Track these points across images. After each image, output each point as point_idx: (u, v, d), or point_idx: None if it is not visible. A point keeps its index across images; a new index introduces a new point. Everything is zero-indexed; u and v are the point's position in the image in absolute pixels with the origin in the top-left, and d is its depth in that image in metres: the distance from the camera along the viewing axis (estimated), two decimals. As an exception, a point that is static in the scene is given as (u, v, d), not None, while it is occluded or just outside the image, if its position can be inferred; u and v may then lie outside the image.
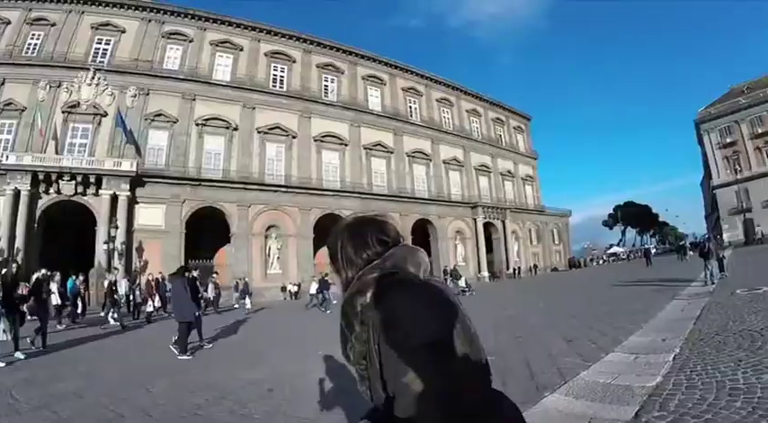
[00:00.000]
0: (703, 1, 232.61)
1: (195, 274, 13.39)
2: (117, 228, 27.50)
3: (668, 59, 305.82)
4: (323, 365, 7.16)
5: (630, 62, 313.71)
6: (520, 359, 7.11)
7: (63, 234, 30.34)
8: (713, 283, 14.18)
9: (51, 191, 28.54)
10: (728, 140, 61.65)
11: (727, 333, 6.85)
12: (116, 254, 27.39)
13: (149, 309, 18.26)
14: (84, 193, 29.06)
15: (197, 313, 10.34)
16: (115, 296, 17.27)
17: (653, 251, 74.50)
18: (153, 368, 8.25)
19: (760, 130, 58.69)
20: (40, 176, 27.83)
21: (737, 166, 59.11)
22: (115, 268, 24.37)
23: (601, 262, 69.56)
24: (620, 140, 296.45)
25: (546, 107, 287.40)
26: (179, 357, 9.04)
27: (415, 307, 1.14)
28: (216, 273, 26.85)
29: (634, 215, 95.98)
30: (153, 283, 20.37)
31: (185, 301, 9.61)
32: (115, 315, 16.55)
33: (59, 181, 28.42)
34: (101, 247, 27.56)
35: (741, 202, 58.21)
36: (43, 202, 28.39)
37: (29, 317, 11.01)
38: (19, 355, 9.30)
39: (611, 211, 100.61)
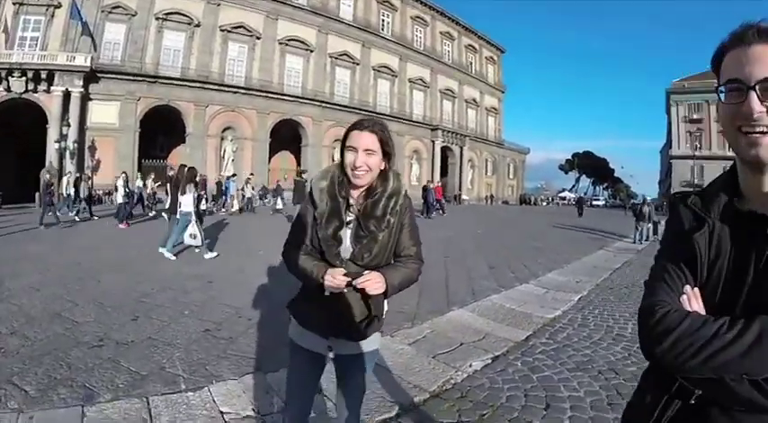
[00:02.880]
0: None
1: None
2: (69, 126, 26.93)
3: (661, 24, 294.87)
4: (261, 263, 8.08)
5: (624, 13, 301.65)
6: (441, 277, 7.62)
7: (12, 134, 29.46)
8: (641, 243, 15.02)
9: (1, 88, 27.61)
10: (695, 117, 62.96)
11: (635, 287, 7.32)
12: (68, 153, 27.15)
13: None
14: (35, 90, 28.21)
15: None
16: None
17: (601, 203, 77.59)
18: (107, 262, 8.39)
19: None
20: (-11, 73, 26.67)
21: (698, 143, 60.82)
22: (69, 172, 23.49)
23: (550, 203, 72.20)
24: (593, 90, 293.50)
25: (524, 41, 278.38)
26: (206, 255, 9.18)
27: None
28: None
29: (590, 166, 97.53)
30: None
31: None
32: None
33: (9, 78, 27.43)
34: (52, 147, 27.29)
35: (694, 177, 60.35)
36: (-8, 100, 27.37)
37: None
38: None
39: (569, 158, 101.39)
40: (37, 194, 20.91)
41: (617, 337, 4.76)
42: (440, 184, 33.43)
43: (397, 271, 1.76)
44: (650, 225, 16.54)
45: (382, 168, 1.78)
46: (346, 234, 1.74)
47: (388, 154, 1.78)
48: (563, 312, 5.69)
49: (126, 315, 5.06)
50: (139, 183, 21.07)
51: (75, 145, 27.81)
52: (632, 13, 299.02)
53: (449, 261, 9.46)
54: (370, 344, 1.86)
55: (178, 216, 9.20)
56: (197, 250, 9.35)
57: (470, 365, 3.87)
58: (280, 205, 23.80)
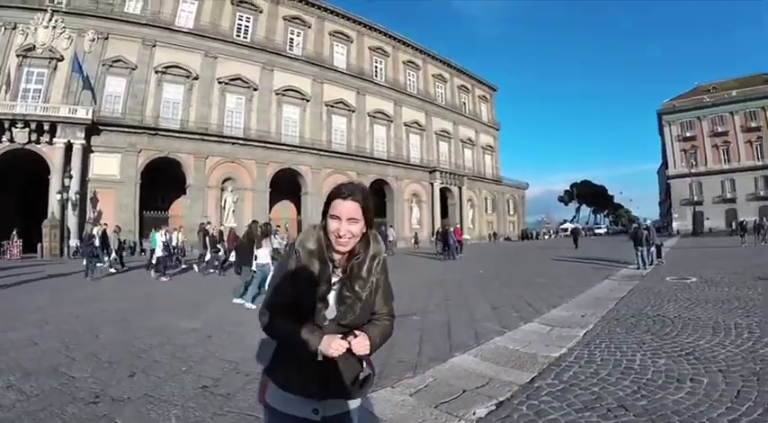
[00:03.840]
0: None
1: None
2: (71, 177, 27.36)
3: (642, 46, 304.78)
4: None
5: (604, 44, 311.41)
6: (443, 321, 7.61)
7: (15, 184, 29.96)
8: (646, 268, 14.86)
9: (4, 139, 28.03)
10: (688, 135, 64.59)
11: (642, 316, 7.24)
12: (70, 204, 27.50)
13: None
14: (37, 142, 28.69)
15: None
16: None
17: (603, 231, 77.46)
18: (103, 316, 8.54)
19: (720, 130, 62.11)
20: (-8, 124, 27.33)
21: (694, 161, 61.54)
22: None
23: (553, 236, 72.14)
24: (585, 121, 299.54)
25: (515, 80, 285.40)
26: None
27: None
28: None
29: (589, 194, 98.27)
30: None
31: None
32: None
33: (12, 128, 27.95)
34: (54, 198, 27.67)
35: (693, 195, 60.92)
36: (-5, 150, 27.96)
37: None
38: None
39: (568, 188, 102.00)
40: (74, 245, 22.88)
41: (625, 370, 4.65)
42: (458, 225, 33.59)
43: (377, 328, 1.80)
44: (653, 249, 16.33)
45: (364, 232, 1.81)
46: (331, 296, 1.77)
47: (369, 220, 1.81)
48: (569, 350, 5.57)
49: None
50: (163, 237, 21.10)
51: (77, 196, 28.14)
52: (617, 42, 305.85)
53: (450, 304, 9.35)
54: (357, 400, 1.84)
55: (254, 268, 9.96)
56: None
57: (474, 413, 3.73)
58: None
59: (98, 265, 15.57)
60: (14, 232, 25.56)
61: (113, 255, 18.01)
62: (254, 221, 11.28)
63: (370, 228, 1.83)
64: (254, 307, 9.15)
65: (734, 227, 43.62)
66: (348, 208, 1.73)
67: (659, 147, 77.49)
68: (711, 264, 16.39)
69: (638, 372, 4.53)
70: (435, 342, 6.22)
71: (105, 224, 19.84)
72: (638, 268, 14.94)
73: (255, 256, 10.04)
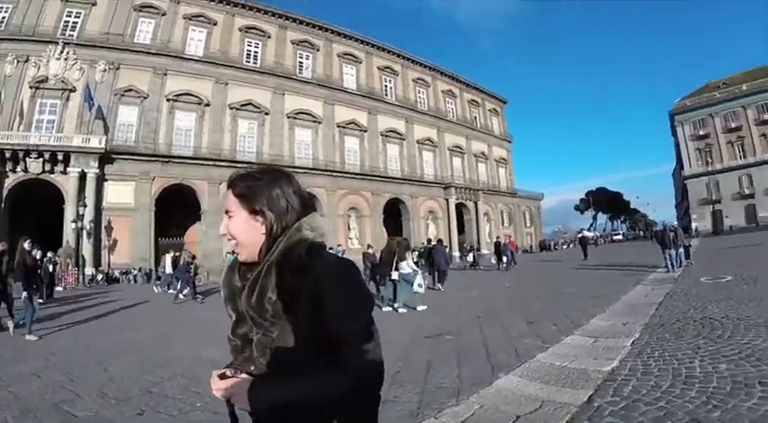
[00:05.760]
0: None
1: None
2: (85, 206, 27.41)
3: (650, 47, 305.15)
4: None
5: (612, 46, 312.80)
6: (478, 339, 7.10)
7: (30, 213, 30.05)
8: (675, 270, 14.34)
9: (18, 169, 28.41)
10: (701, 133, 63.50)
11: (688, 320, 6.87)
12: (84, 233, 27.48)
13: None
14: (51, 171, 28.98)
15: None
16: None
17: (621, 237, 76.14)
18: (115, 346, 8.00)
19: (733, 125, 60.89)
20: (7, 155, 27.71)
21: (709, 159, 60.72)
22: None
23: (571, 246, 71.02)
24: (596, 127, 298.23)
25: (524, 90, 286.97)
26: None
27: (362, 286, 1.24)
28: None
29: (605, 201, 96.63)
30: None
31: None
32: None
33: (27, 159, 28.25)
34: (69, 227, 27.63)
35: (711, 194, 59.87)
36: (10, 181, 28.29)
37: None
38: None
39: (584, 197, 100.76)
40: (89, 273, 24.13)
41: (687, 379, 4.20)
42: (511, 237, 33.79)
43: (283, 379, 1.18)
44: (681, 250, 15.73)
45: (264, 232, 1.26)
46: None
47: (258, 211, 1.26)
48: (620, 362, 5.08)
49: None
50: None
51: (92, 225, 28.14)
52: (626, 44, 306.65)
53: (482, 321, 8.78)
54: None
55: (396, 277, 11.30)
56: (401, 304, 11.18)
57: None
58: None
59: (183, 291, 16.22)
60: (66, 259, 25.70)
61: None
62: (391, 238, 12.85)
63: (280, 221, 1.26)
64: (405, 311, 10.74)
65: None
66: (226, 199, 1.32)
67: (672, 148, 76.62)
68: (742, 261, 15.76)
69: (701, 380, 4.13)
70: (474, 363, 5.69)
71: (178, 253, 19.96)
72: (668, 271, 14.39)
73: (397, 267, 11.29)
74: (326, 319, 1.14)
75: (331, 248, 15.40)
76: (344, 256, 15.09)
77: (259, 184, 1.27)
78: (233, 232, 1.29)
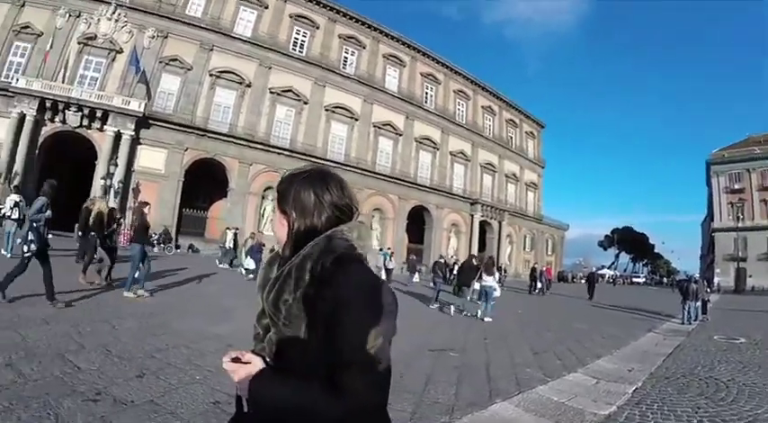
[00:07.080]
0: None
1: None
2: (116, 165, 27.56)
3: (700, 90, 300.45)
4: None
5: (661, 83, 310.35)
6: (481, 361, 7.08)
7: (61, 164, 30.17)
8: (690, 323, 14.21)
9: (57, 120, 28.51)
10: (736, 187, 61.38)
11: (693, 377, 6.74)
12: (112, 191, 27.28)
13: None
14: (89, 127, 29.05)
15: None
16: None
17: (641, 280, 74.40)
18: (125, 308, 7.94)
19: None
20: (48, 104, 27.76)
21: (741, 214, 58.56)
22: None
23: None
24: (630, 163, 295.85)
25: (562, 117, 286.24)
26: None
27: (387, 301, 1.15)
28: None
29: (630, 241, 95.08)
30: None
31: None
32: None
33: (66, 111, 28.32)
34: (98, 183, 27.56)
35: (738, 250, 57.63)
36: (47, 129, 28.41)
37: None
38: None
39: (608, 234, 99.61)
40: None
41: None
42: (549, 266, 37.02)
43: (282, 383, 1.14)
44: (699, 303, 15.37)
45: (293, 229, 1.26)
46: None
47: (285, 211, 1.26)
48: (618, 408, 5.02)
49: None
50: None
51: (120, 185, 28.00)
52: (666, 88, 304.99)
53: (489, 343, 8.77)
54: None
55: (477, 287, 13.16)
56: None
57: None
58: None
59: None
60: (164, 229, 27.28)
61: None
62: (472, 255, 15.73)
63: (297, 222, 1.24)
64: (490, 320, 11.92)
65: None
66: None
67: (705, 198, 74.96)
68: (759, 324, 15.42)
69: (698, 440, 4.05)
70: (474, 384, 5.70)
71: (236, 229, 21.78)
72: (683, 323, 14.34)
73: (480, 278, 12.92)
74: (337, 337, 1.08)
75: (381, 249, 16.08)
76: (392, 260, 17.44)
77: (292, 184, 1.26)
78: (273, 227, 1.33)
